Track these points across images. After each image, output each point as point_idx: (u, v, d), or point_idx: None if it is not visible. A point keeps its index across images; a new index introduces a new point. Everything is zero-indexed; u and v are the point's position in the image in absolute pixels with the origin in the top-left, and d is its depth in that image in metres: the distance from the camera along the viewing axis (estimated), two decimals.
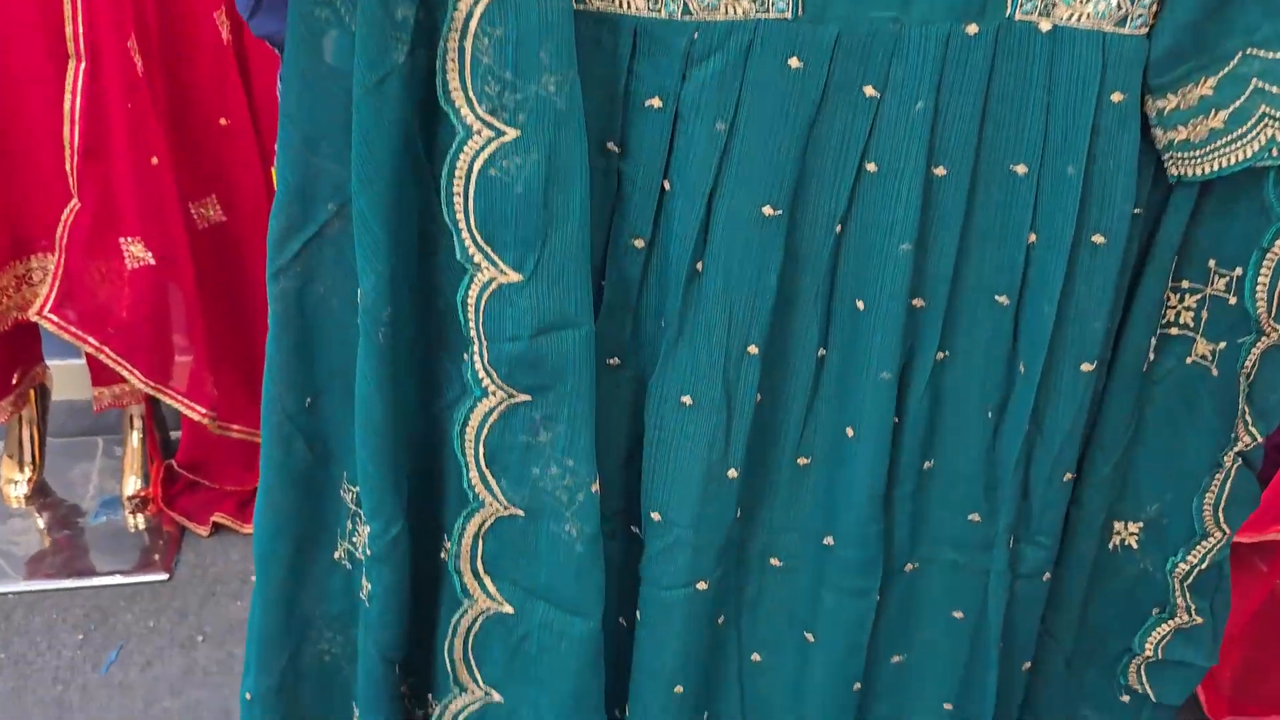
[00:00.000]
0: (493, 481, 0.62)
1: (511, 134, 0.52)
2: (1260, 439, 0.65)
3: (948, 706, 0.71)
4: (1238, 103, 0.58)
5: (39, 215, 1.33)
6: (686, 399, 0.61)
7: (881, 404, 0.61)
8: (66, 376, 1.70)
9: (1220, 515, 0.67)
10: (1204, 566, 0.68)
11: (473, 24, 0.50)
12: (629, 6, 0.53)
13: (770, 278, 0.58)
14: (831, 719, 0.70)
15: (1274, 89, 0.57)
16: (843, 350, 0.61)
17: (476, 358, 0.58)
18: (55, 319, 1.36)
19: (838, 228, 0.58)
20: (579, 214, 0.54)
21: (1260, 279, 0.60)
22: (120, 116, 1.24)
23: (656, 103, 0.55)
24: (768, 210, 0.57)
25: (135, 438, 1.62)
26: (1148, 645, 0.71)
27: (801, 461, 0.64)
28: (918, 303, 0.61)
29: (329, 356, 0.63)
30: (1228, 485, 0.66)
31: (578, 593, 0.63)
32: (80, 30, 1.19)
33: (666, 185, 0.57)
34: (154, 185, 1.28)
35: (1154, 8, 0.56)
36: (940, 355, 0.63)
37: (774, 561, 0.67)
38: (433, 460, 0.66)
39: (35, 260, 1.38)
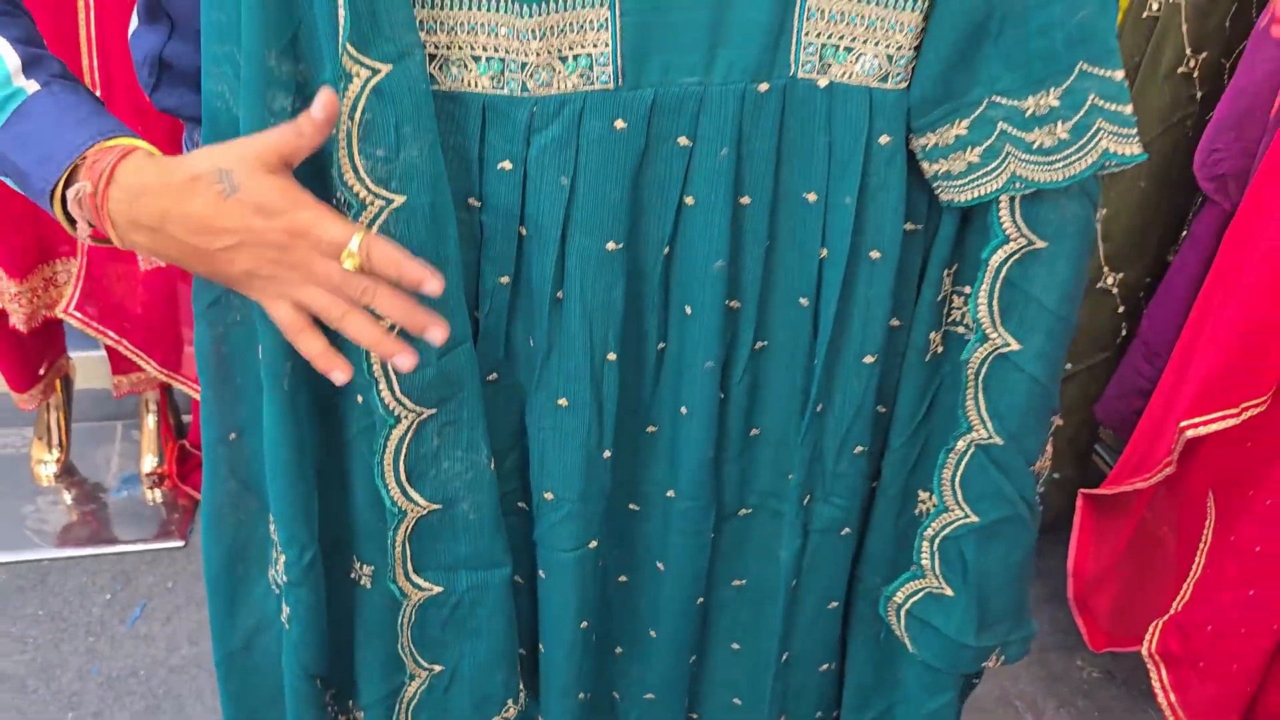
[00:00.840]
0: (412, 491, 0.71)
1: (398, 200, 0.63)
2: (999, 439, 0.74)
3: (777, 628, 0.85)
4: (988, 142, 0.70)
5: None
6: (563, 401, 0.73)
7: (707, 387, 0.74)
8: (88, 368, 1.87)
9: (957, 493, 0.77)
10: (945, 534, 0.79)
11: (357, 113, 0.61)
12: (477, 86, 0.65)
13: (618, 298, 0.70)
14: (679, 629, 0.84)
15: (1016, 131, 0.69)
16: (677, 345, 0.74)
17: (385, 393, 0.68)
18: (79, 316, 1.53)
19: (666, 249, 0.71)
20: (455, 256, 0.66)
21: (982, 288, 0.72)
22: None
23: (507, 165, 0.67)
24: (610, 245, 0.69)
25: (151, 420, 1.79)
26: (899, 593, 0.82)
27: (650, 430, 0.78)
28: (734, 304, 0.73)
29: (248, 399, 0.71)
30: (961, 467, 0.77)
31: (493, 549, 0.75)
32: (94, 65, 1.36)
33: (523, 231, 0.69)
34: None
35: (911, 66, 0.69)
36: (760, 345, 0.76)
37: (632, 507, 0.81)
38: (339, 491, 0.75)
39: (60, 264, 1.55)
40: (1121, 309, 1.23)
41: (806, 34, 0.67)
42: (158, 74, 0.75)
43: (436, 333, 0.60)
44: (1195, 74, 1.09)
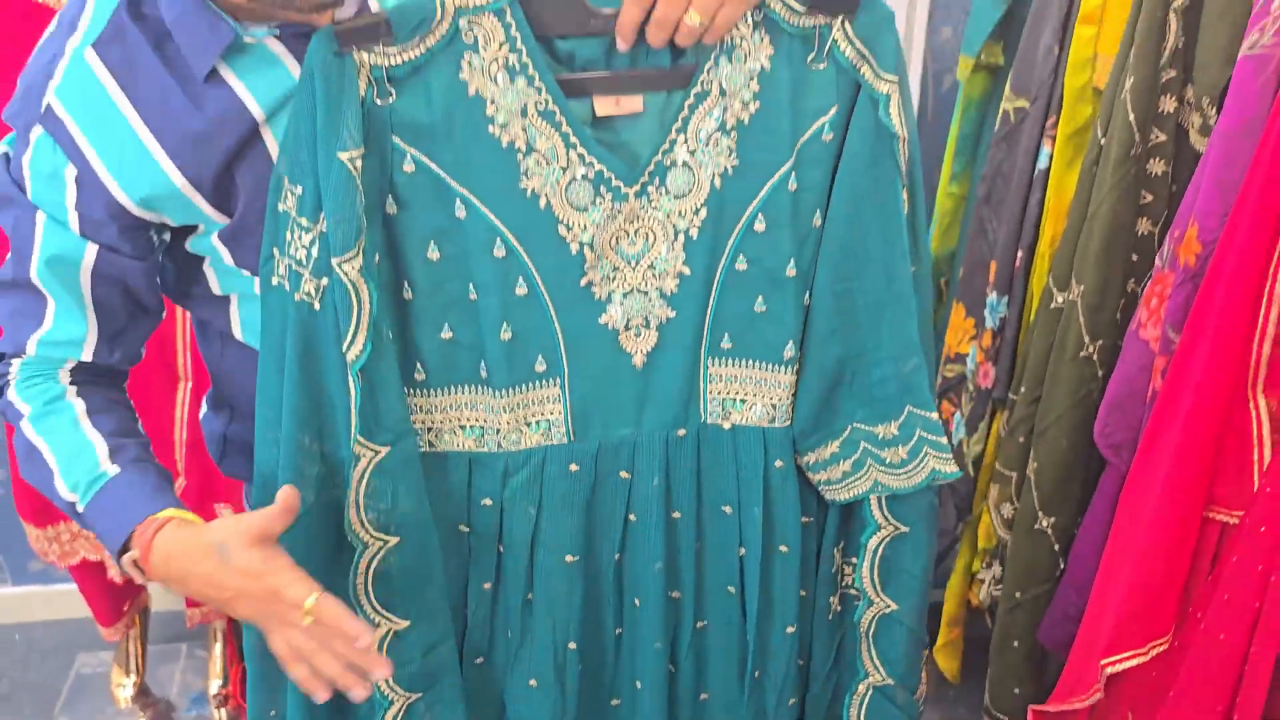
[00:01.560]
0: None
1: (394, 540, 0.83)
2: (890, 680, 0.92)
3: None
4: (854, 456, 0.90)
5: None
6: (533, 681, 0.91)
7: (658, 664, 0.92)
8: (155, 591, 2.02)
9: None
10: None
11: (364, 483, 0.81)
12: (463, 446, 0.86)
13: (577, 599, 0.89)
14: None
15: (874, 449, 0.90)
16: (629, 630, 0.92)
17: (381, 683, 0.86)
18: None
19: (616, 556, 0.90)
20: (438, 576, 0.85)
21: (865, 564, 0.92)
22: None
23: (488, 501, 0.87)
24: (569, 558, 0.88)
25: (218, 648, 1.97)
26: None
27: (614, 703, 0.95)
28: (676, 595, 0.92)
29: (284, 688, 0.88)
30: (864, 707, 0.95)
31: None
32: (187, 359, 1.63)
33: (501, 549, 0.88)
34: None
35: (790, 409, 0.90)
36: (701, 624, 0.94)
37: None
38: None
39: None
40: (1056, 546, 1.38)
41: (710, 393, 0.89)
42: (222, 448, 0.95)
43: (358, 692, 0.76)
44: (1095, 357, 1.29)
